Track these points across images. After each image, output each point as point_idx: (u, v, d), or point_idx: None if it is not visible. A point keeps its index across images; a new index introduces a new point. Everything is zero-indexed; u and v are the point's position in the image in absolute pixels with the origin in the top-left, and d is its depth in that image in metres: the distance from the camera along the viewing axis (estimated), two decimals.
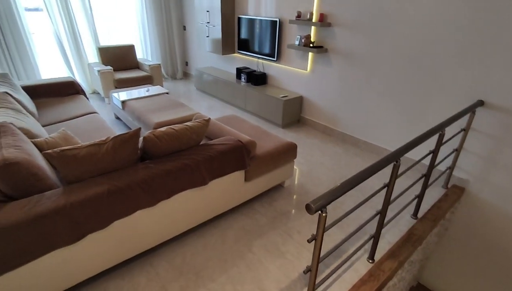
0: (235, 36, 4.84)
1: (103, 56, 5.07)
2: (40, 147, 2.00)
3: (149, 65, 5.05)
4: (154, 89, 4.13)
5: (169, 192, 1.83)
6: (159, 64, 5.14)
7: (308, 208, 1.18)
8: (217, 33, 4.75)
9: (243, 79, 4.65)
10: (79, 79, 5.17)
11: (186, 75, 6.61)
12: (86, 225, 1.55)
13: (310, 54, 3.80)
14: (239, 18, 4.55)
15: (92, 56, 5.26)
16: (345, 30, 3.33)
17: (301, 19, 3.68)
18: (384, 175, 3.00)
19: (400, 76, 3.02)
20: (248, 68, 4.77)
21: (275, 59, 4.17)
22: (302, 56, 3.90)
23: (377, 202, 2.59)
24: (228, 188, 2.22)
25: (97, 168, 1.70)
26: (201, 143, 2.15)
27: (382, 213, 1.77)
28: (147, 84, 5.07)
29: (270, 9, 4.07)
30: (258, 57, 4.43)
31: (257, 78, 4.43)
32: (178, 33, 6.10)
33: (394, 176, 1.65)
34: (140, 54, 5.81)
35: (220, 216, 2.39)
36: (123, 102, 3.68)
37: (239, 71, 4.71)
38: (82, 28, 5.00)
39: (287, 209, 2.50)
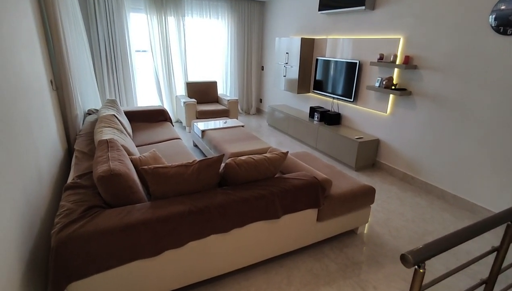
0: (311, 76, 4.96)
1: (189, 90, 5.66)
2: (135, 163, 2.23)
3: (228, 100, 5.44)
4: (230, 122, 4.39)
5: (243, 219, 1.83)
6: (237, 99, 5.50)
7: (405, 260, 1.03)
8: (294, 73, 4.94)
9: (316, 118, 4.65)
10: (167, 108, 5.81)
11: (259, 111, 6.92)
12: (166, 241, 1.62)
13: (391, 96, 3.64)
14: (317, 60, 4.68)
15: (180, 89, 5.92)
16: (434, 73, 3.13)
17: (384, 61, 3.61)
18: (480, 238, 2.55)
19: (504, 124, 2.65)
20: (322, 107, 4.77)
21: (351, 100, 4.10)
22: (381, 98, 3.75)
23: (477, 271, 2.19)
24: (299, 225, 2.12)
25: (181, 187, 1.81)
26: (276, 176, 2.15)
27: (489, 283, 1.46)
28: (224, 117, 5.43)
29: (350, 51, 4.10)
30: (334, 97, 4.42)
31: (331, 118, 4.38)
32: (256, 72, 6.53)
33: (508, 238, 1.37)
34: (220, 90, 6.33)
35: (287, 254, 2.28)
36: (203, 131, 3.97)
37: (313, 110, 4.74)
38: (175, 65, 5.73)
39: (360, 259, 2.27)
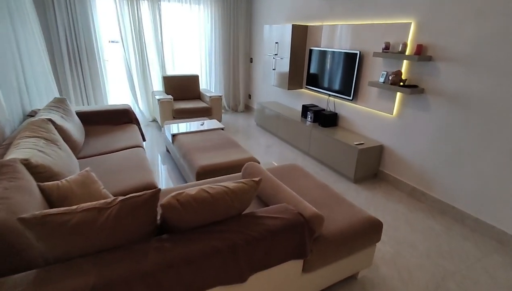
0: (304, 70, 4.31)
1: (167, 85, 5.00)
2: (49, 193, 1.60)
3: (210, 97, 4.79)
4: (209, 124, 3.75)
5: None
6: (220, 96, 4.85)
7: None
8: (285, 66, 4.28)
9: (309, 118, 4.02)
10: (142, 106, 5.15)
11: (247, 108, 6.27)
12: None
13: (399, 94, 3.00)
14: (310, 51, 4.02)
15: (157, 84, 5.25)
16: (454, 66, 2.50)
17: (390, 51, 2.96)
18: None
19: None
20: (316, 106, 4.13)
21: (350, 98, 3.46)
22: (386, 97, 3.12)
23: None
24: (278, 284, 1.51)
25: (92, 243, 1.18)
26: (245, 212, 1.53)
27: None
28: (205, 116, 4.78)
29: (349, 40, 3.45)
30: (330, 95, 3.78)
31: (326, 119, 3.75)
32: (244, 65, 5.86)
33: None
34: (203, 85, 5.66)
35: None
36: (174, 135, 3.34)
37: (305, 109, 4.10)
38: (151, 57, 5.05)
39: None
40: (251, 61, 5.91)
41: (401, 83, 2.86)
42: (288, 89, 4.31)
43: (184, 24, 5.19)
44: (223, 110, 5.99)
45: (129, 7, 4.61)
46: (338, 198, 2.03)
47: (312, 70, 4.06)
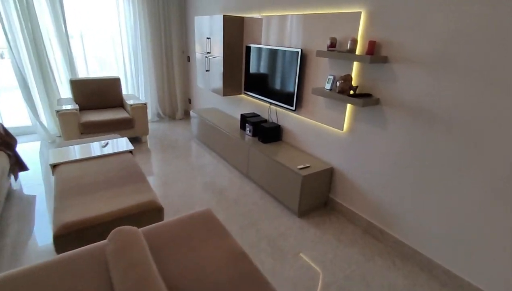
0: (243, 71, 3.55)
1: (76, 92, 3.99)
2: None
3: (131, 105, 3.87)
4: (115, 145, 2.85)
5: None
6: (145, 103, 3.94)
7: None
8: (219, 67, 3.49)
9: (247, 132, 3.28)
10: (45, 119, 4.09)
11: (188, 115, 5.40)
12: None
13: (349, 106, 2.35)
14: (247, 48, 3.27)
15: (65, 91, 4.21)
16: (416, 69, 1.87)
17: (336, 49, 2.29)
18: None
19: None
20: (258, 115, 3.40)
21: (293, 108, 2.77)
22: (335, 108, 2.46)
23: None
24: None
25: None
26: None
27: None
28: (127, 128, 3.86)
29: (291, 35, 2.74)
30: (271, 103, 3.06)
31: (267, 133, 3.03)
32: (180, 64, 4.98)
33: None
34: (129, 89, 4.70)
35: None
36: (54, 166, 2.41)
37: (244, 119, 3.36)
38: (56, 57, 4.00)
39: None
40: (189, 60, 5.04)
41: (352, 92, 2.20)
42: (224, 95, 3.53)
43: (99, 17, 4.19)
44: (157, 119, 5.08)
45: None
46: (255, 280, 1.30)
47: (251, 72, 3.31)
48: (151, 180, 3.07)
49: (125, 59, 4.53)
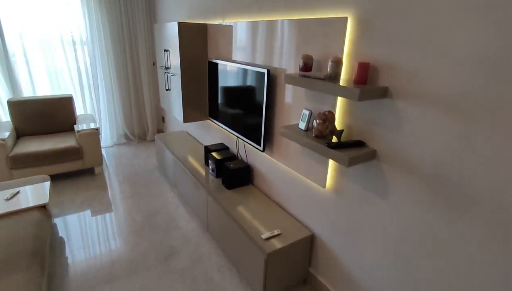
0: (206, 92, 2.83)
1: (15, 115, 3.32)
2: None
3: (78, 132, 3.18)
4: (28, 194, 2.16)
5: None
6: (96, 129, 3.25)
7: None
8: (177, 86, 2.78)
9: (210, 170, 2.56)
10: None
11: (161, 133, 4.70)
12: None
13: (331, 160, 1.60)
14: (210, 64, 2.56)
15: (4, 114, 3.55)
16: (437, 113, 1.13)
17: (311, 74, 1.56)
18: None
19: None
20: (226, 148, 2.68)
21: (260, 148, 2.04)
22: (313, 154, 1.72)
23: None
24: None
25: None
26: None
27: None
28: (74, 159, 3.18)
29: (260, 50, 2.01)
30: (238, 136, 2.33)
31: (232, 176, 2.30)
32: (149, 79, 4.29)
33: None
34: (87, 109, 4.02)
35: None
36: None
37: (208, 153, 2.63)
38: None
39: None
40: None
41: (334, 138, 1.46)
42: (185, 122, 2.82)
43: (46, 26, 3.52)
44: (125, 141, 4.39)
45: None
46: None
47: (213, 95, 2.60)
48: (77, 236, 2.37)
49: (82, 74, 3.85)
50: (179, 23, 2.48)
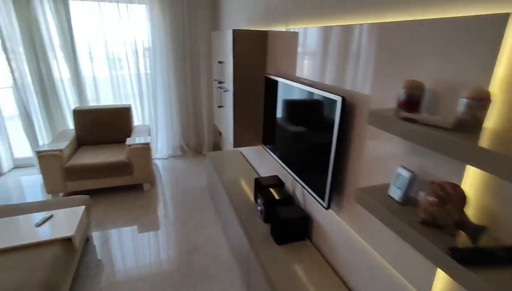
0: (262, 114, 2.34)
1: (78, 123, 3.35)
2: None
3: (129, 146, 3.03)
4: (58, 222, 1.97)
5: None
6: (147, 144, 3.06)
7: None
8: (229, 104, 2.36)
9: (259, 212, 2.06)
10: None
11: (217, 149, 4.41)
12: None
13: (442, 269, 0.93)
14: (267, 80, 2.07)
15: (69, 121, 3.64)
16: None
17: (422, 119, 0.92)
18: None
19: None
20: (281, 185, 2.15)
21: (325, 204, 1.45)
22: (409, 233, 1.06)
23: None
24: None
25: None
26: None
27: None
28: (123, 175, 3.04)
29: (332, 66, 1.43)
30: (295, 178, 1.78)
31: (284, 228, 1.76)
32: (209, 91, 4.02)
33: None
34: (145, 119, 3.92)
35: None
36: None
37: (258, 187, 2.14)
38: (64, 81, 3.45)
39: None
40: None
41: (462, 234, 0.81)
42: (235, 146, 2.38)
43: (113, 33, 3.51)
44: (180, 153, 4.21)
45: (15, 8, 3.04)
46: None
47: (270, 119, 2.10)
48: (115, 259, 2.10)
49: (142, 84, 3.77)
50: (234, 31, 2.05)
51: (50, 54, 3.27)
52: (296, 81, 1.67)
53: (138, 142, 3.06)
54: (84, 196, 2.35)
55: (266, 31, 2.14)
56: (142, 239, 2.45)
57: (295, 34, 1.73)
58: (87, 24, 3.39)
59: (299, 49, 1.70)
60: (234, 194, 2.35)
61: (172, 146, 4.11)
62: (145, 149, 3.05)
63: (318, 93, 1.42)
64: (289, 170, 1.81)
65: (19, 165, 3.70)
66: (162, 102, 3.89)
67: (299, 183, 1.72)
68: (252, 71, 2.20)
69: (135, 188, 3.26)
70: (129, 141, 3.09)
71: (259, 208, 2.03)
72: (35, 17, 3.12)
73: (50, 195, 2.97)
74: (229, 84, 2.30)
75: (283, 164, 1.91)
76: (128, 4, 3.44)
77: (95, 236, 2.48)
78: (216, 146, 4.42)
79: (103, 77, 3.65)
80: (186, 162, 3.98)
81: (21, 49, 3.17)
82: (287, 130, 1.83)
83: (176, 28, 3.64)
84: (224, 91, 2.44)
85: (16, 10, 3.05)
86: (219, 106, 2.68)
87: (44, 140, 3.56)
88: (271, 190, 2.05)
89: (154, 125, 3.94)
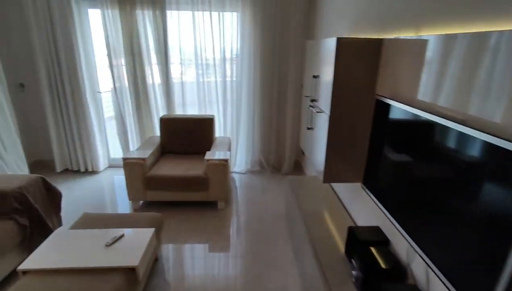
0: (365, 146, 1.82)
1: (164, 131, 3.38)
2: None
3: (207, 161, 2.87)
4: (128, 242, 1.84)
5: None
6: (225, 160, 2.86)
7: None
8: (323, 129, 1.92)
9: (354, 276, 1.55)
10: None
11: (299, 169, 3.98)
12: None
13: None
14: (379, 104, 1.57)
15: (156, 128, 3.73)
16: None
17: None
18: None
19: None
20: (385, 243, 1.61)
21: None
22: None
23: None
24: None
25: None
26: None
27: None
28: (200, 190, 2.90)
29: (493, 92, 0.87)
30: (412, 246, 1.23)
31: None
32: (295, 103, 3.65)
33: None
34: (227, 131, 3.77)
35: None
36: (25, 271, 1.61)
37: (353, 242, 1.65)
38: (156, 88, 3.56)
39: None
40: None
41: None
42: (325, 182, 1.92)
43: (203, 41, 3.46)
44: (259, 168, 3.93)
45: (122, 19, 3.23)
46: None
47: (377, 153, 1.58)
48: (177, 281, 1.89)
49: (227, 94, 3.62)
50: (338, 39, 1.61)
51: (145, 61, 3.39)
52: (431, 112, 1.14)
53: (217, 158, 2.87)
54: (157, 214, 2.23)
55: (380, 39, 1.64)
56: (212, 265, 2.20)
57: (424, 43, 1.20)
58: (180, 32, 3.40)
59: (440, 66, 1.16)
60: (318, 239, 1.90)
61: (251, 160, 3.87)
62: (223, 165, 2.84)
63: (473, 134, 0.87)
64: (410, 240, 1.28)
65: (113, 165, 3.97)
66: (245, 113, 3.69)
67: (421, 257, 1.17)
68: (357, 91, 1.72)
69: (209, 205, 3.09)
70: (208, 155, 2.94)
71: (354, 272, 1.54)
72: (136, 26, 3.25)
73: (131, 202, 3.02)
74: (324, 104, 1.87)
75: (392, 219, 1.38)
76: (221, 12, 3.34)
77: (165, 253, 2.35)
78: (297, 165, 4.01)
79: (191, 82, 3.63)
80: (264, 179, 3.68)
81: (122, 57, 3.36)
82: (408, 175, 1.30)
83: (266, 36, 3.39)
84: (318, 112, 2.02)
85: (122, 21, 3.23)
86: (309, 128, 2.26)
87: (134, 145, 3.73)
88: (373, 250, 1.53)
89: (235, 136, 3.76)
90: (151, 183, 2.86)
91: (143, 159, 2.85)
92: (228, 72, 3.55)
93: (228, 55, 3.49)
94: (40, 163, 3.80)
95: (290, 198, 2.58)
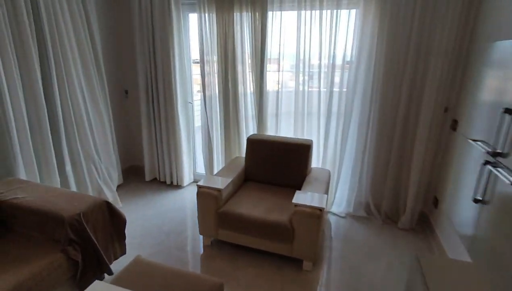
0: None
1: (251, 154, 2.83)
2: None
3: (295, 206, 2.14)
4: None
5: None
6: (320, 209, 2.07)
7: None
8: None
9: None
10: None
11: (426, 225, 2.80)
12: None
13: None
14: None
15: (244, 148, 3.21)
16: None
17: None
18: None
19: None
20: None
21: None
22: None
23: None
24: None
25: None
26: None
27: None
28: (281, 241, 2.22)
29: None
30: None
31: None
32: (429, 134, 2.53)
33: None
34: (328, 162, 2.94)
35: None
36: None
37: None
38: (248, 103, 3.06)
39: None
40: (454, 129, 2.45)
41: None
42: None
43: (307, 44, 2.75)
44: (365, 214, 2.96)
45: (219, 24, 2.85)
46: None
47: None
48: None
49: (332, 115, 2.81)
50: None
51: (239, 68, 2.92)
52: None
53: (309, 204, 2.11)
54: (218, 282, 1.63)
55: None
56: None
57: None
58: (281, 35, 2.79)
59: None
60: None
61: (355, 201, 2.94)
62: (317, 216, 2.06)
63: None
64: None
65: (198, 180, 3.69)
66: (353, 136, 2.81)
67: None
68: None
69: (293, 262, 2.35)
70: (297, 198, 2.20)
71: None
72: (233, 30, 2.81)
73: (202, 236, 2.57)
74: None
75: None
76: (334, 10, 2.56)
77: None
78: (424, 219, 2.84)
79: (288, 90, 2.97)
80: (371, 232, 2.71)
81: (215, 63, 2.99)
82: None
83: (396, 39, 2.42)
84: (505, 178, 1.02)
85: (218, 24, 2.84)
86: (477, 201, 1.26)
87: (219, 162, 3.33)
88: None
89: (337, 165, 2.90)
90: (223, 221, 2.33)
91: (219, 190, 2.34)
92: (337, 80, 2.74)
93: (338, 62, 2.69)
94: (134, 169, 3.83)
95: (415, 283, 1.59)
